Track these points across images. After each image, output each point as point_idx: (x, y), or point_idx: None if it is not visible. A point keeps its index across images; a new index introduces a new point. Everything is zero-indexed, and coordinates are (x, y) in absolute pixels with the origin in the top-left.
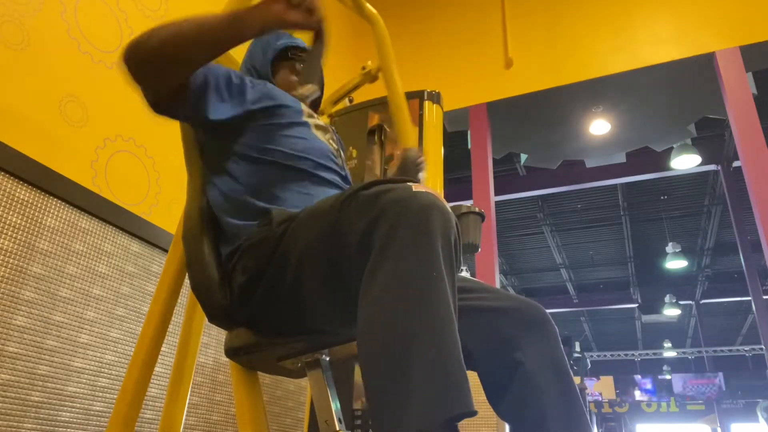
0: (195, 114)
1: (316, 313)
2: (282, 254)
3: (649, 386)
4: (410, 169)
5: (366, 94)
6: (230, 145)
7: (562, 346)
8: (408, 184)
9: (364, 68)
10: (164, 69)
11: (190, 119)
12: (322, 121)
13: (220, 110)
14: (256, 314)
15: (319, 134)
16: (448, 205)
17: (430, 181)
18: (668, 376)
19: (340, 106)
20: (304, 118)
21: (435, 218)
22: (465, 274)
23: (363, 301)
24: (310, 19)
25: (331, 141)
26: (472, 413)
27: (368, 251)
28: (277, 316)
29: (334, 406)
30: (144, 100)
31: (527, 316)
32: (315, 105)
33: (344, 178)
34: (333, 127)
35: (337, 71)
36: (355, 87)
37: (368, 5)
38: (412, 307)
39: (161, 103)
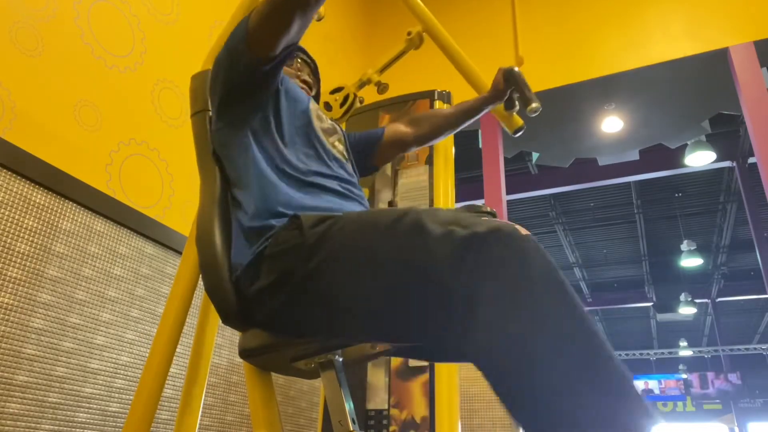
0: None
1: (354, 321)
2: (324, 259)
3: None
4: (519, 82)
5: (375, 95)
6: (240, 141)
7: None
8: (515, 225)
9: (409, 33)
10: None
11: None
12: (328, 116)
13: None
14: (277, 316)
15: (324, 138)
16: (459, 205)
17: (442, 181)
18: (684, 375)
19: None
20: (313, 121)
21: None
22: None
23: (500, 338)
24: None
25: (336, 143)
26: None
27: (476, 283)
28: (303, 320)
29: (348, 406)
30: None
31: None
32: (316, 99)
33: (348, 182)
34: (340, 126)
35: (349, 71)
36: (402, 53)
37: None
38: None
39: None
